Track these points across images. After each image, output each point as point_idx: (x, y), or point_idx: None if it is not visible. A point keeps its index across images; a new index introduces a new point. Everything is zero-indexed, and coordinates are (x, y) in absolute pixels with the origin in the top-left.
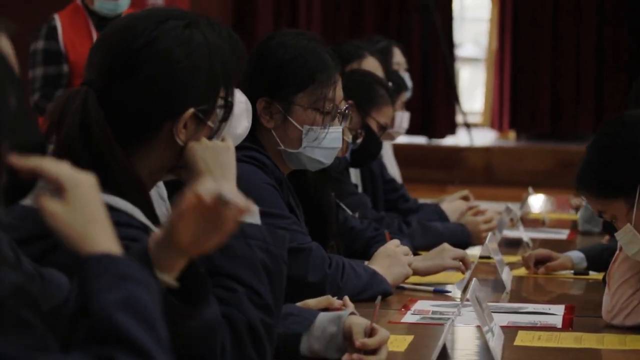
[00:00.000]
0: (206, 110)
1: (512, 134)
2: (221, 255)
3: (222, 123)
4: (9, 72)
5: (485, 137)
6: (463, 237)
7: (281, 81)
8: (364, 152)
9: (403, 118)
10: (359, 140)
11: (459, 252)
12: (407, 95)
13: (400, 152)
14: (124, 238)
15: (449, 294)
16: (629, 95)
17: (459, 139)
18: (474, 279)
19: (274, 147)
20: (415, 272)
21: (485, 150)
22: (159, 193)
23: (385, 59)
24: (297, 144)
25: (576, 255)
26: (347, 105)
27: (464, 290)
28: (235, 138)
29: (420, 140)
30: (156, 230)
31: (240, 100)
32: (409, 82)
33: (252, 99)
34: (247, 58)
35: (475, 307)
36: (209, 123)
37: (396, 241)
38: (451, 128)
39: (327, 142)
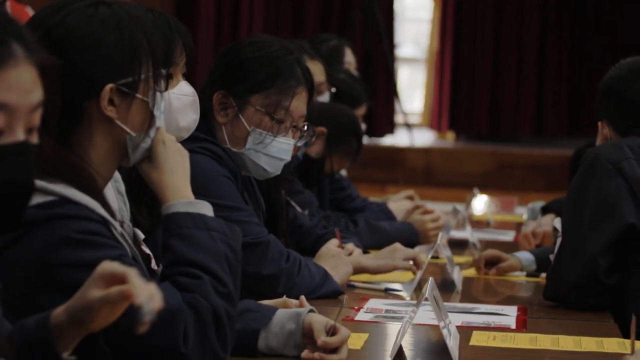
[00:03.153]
0: (131, 84)
1: (451, 135)
2: (185, 244)
3: (157, 94)
4: None
5: (424, 138)
6: (410, 236)
7: (241, 77)
8: (307, 175)
9: None
10: (310, 142)
11: (410, 252)
12: (364, 108)
13: None
14: (84, 232)
15: (399, 292)
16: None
17: (397, 138)
18: (431, 278)
19: (223, 143)
20: (366, 271)
21: (425, 151)
22: (117, 188)
23: (337, 58)
24: (241, 144)
25: (525, 256)
26: (307, 125)
27: (417, 289)
28: (180, 130)
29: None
30: (115, 223)
31: (187, 92)
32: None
33: (212, 91)
34: (188, 39)
35: (433, 306)
36: (139, 95)
37: (335, 241)
38: (390, 127)
39: (274, 150)
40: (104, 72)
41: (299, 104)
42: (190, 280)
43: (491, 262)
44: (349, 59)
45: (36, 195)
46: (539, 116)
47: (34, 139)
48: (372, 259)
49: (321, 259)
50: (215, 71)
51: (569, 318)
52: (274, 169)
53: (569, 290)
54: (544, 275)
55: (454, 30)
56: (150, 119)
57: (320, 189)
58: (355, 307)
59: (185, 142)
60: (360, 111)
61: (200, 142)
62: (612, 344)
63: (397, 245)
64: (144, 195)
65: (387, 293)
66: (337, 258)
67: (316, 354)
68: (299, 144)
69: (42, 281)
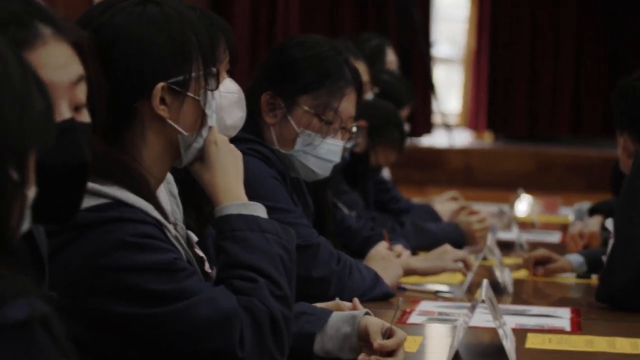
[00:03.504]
0: (182, 82)
1: (488, 135)
2: (240, 247)
3: (208, 93)
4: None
5: (461, 138)
6: (457, 238)
7: (289, 78)
8: (353, 174)
9: None
10: (357, 142)
11: (460, 253)
12: (408, 109)
13: None
14: (138, 235)
15: (450, 294)
16: None
17: (435, 138)
18: (485, 280)
19: (271, 144)
20: (416, 273)
21: (465, 152)
22: (169, 190)
23: (378, 58)
24: (290, 145)
25: (575, 258)
26: (356, 126)
27: (467, 292)
28: (227, 128)
29: None
30: (169, 226)
31: (232, 90)
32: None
33: (260, 91)
34: (230, 36)
35: (489, 308)
36: (190, 94)
37: (384, 243)
38: (427, 127)
39: (323, 152)
40: (155, 71)
41: (348, 105)
42: (246, 284)
43: (540, 263)
44: (391, 58)
45: (88, 198)
46: (577, 115)
47: (84, 116)
48: (422, 260)
49: (371, 261)
50: (263, 71)
51: (623, 320)
52: (323, 170)
53: (620, 291)
54: (595, 276)
55: (491, 29)
56: (202, 118)
57: (365, 190)
58: (407, 310)
59: (233, 144)
60: (404, 112)
61: (248, 143)
62: None
63: (447, 246)
64: (191, 196)
65: (438, 295)
66: (386, 260)
67: (372, 357)
68: (348, 145)
69: (94, 284)
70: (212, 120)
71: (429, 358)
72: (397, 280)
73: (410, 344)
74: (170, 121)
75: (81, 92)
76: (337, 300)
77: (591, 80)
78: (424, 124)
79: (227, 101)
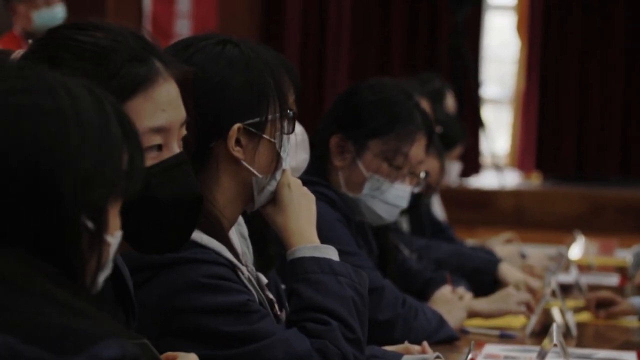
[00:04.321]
0: (258, 124)
1: (537, 176)
2: (313, 290)
3: (286, 136)
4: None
5: (510, 178)
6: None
7: (360, 121)
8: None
9: (453, 169)
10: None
11: (524, 296)
12: (460, 148)
13: None
14: (211, 276)
15: (515, 337)
16: None
17: (484, 179)
18: (555, 323)
19: (338, 188)
20: (479, 315)
21: (514, 193)
22: (240, 231)
23: (438, 101)
24: (358, 189)
25: (638, 301)
26: (425, 172)
27: (532, 334)
28: (291, 170)
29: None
30: (242, 267)
31: (297, 131)
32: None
33: (329, 134)
34: (296, 77)
35: (562, 352)
36: (266, 136)
37: (448, 287)
38: (476, 168)
39: (391, 197)
40: (231, 111)
41: (418, 150)
42: (319, 326)
43: (602, 305)
44: (450, 102)
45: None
46: (626, 156)
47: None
48: (485, 303)
49: (435, 304)
50: (333, 114)
51: None
52: (389, 215)
53: None
54: None
55: (540, 69)
56: (277, 160)
57: (421, 230)
58: (473, 354)
59: None
60: (457, 151)
61: (313, 185)
62: None
63: (510, 289)
64: (254, 237)
65: (502, 338)
66: (450, 303)
67: None
68: (416, 190)
69: (167, 326)
70: (285, 163)
71: None
72: (461, 323)
73: None
74: (244, 163)
75: (184, 130)
76: (406, 343)
77: None
78: (473, 165)
79: (292, 143)
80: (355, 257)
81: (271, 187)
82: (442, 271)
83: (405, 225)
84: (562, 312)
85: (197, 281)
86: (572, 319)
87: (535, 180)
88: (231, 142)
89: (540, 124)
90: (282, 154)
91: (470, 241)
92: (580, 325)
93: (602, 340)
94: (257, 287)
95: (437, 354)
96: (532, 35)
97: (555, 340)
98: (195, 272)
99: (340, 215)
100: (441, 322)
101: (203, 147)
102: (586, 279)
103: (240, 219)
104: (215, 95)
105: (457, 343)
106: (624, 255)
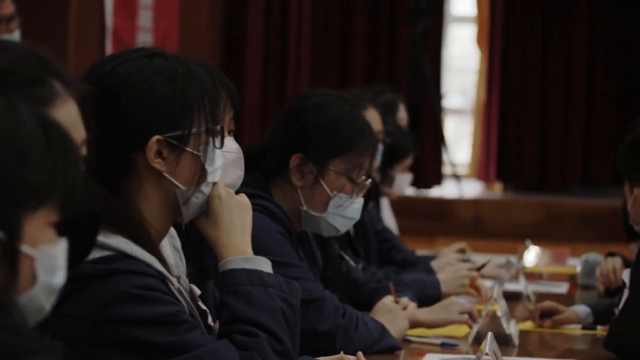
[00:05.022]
0: (180, 137)
1: (498, 186)
2: (241, 302)
3: (215, 150)
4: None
5: (471, 189)
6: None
7: (320, 142)
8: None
9: (403, 180)
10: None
11: (466, 305)
12: (410, 160)
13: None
14: (142, 287)
15: (456, 347)
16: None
17: (445, 189)
18: (490, 332)
19: (294, 205)
20: (422, 325)
21: (475, 202)
22: (173, 244)
23: (390, 113)
24: (322, 208)
25: (582, 309)
26: (370, 179)
27: (474, 343)
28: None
29: (408, 190)
30: (172, 279)
31: (232, 149)
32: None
33: (285, 153)
34: (234, 94)
35: None
36: (189, 149)
37: (390, 297)
38: (438, 179)
39: (350, 212)
40: (152, 123)
41: (374, 162)
42: (247, 339)
43: (547, 314)
44: (402, 115)
45: (94, 250)
46: (587, 166)
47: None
48: (428, 312)
49: (377, 314)
50: (282, 133)
51: None
52: (345, 228)
53: (635, 348)
54: (600, 327)
55: (501, 80)
56: (202, 173)
57: (366, 240)
58: None
59: None
60: (407, 162)
61: (254, 198)
62: None
63: (453, 298)
64: (190, 249)
65: (444, 347)
66: (393, 313)
67: None
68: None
69: (99, 337)
70: (214, 177)
71: None
72: (403, 332)
73: None
74: (167, 175)
75: (84, 150)
76: (342, 354)
77: (602, 132)
78: (435, 176)
79: (226, 160)
80: (294, 268)
81: (197, 199)
82: (386, 282)
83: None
84: (505, 321)
85: (127, 292)
86: (514, 328)
87: (497, 191)
88: (150, 154)
89: (501, 135)
90: (207, 167)
91: (423, 251)
92: (524, 334)
93: (545, 348)
94: (189, 299)
95: None
96: (493, 46)
97: (487, 350)
98: (125, 283)
99: (281, 227)
100: (383, 332)
101: (123, 158)
102: (536, 288)
103: (173, 232)
104: (135, 106)
105: (398, 352)
106: (576, 264)
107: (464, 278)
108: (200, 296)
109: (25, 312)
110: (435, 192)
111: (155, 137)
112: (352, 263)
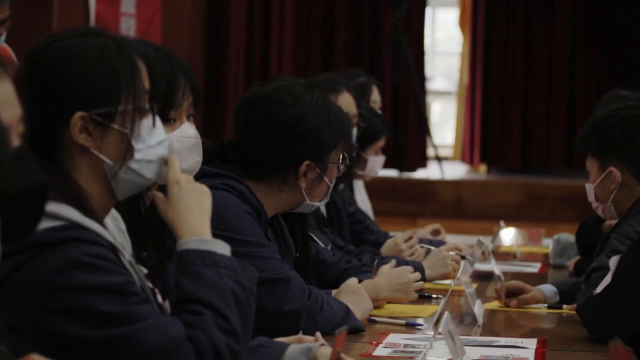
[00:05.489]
0: (107, 114)
1: (483, 168)
2: (192, 282)
3: (143, 128)
4: None
5: (456, 171)
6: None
7: (319, 144)
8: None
9: (376, 162)
10: None
11: (419, 284)
12: (383, 142)
13: (372, 184)
14: (94, 255)
15: (420, 327)
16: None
17: (430, 172)
18: (446, 312)
19: (295, 202)
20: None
21: (456, 184)
22: (117, 226)
23: (363, 95)
24: (322, 197)
25: (548, 288)
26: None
27: (436, 324)
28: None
29: (392, 173)
30: (123, 251)
31: (189, 134)
32: None
33: (285, 162)
34: (193, 79)
35: (447, 340)
36: (115, 126)
37: (355, 279)
38: (422, 161)
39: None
40: (76, 99)
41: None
42: (193, 317)
43: (514, 294)
44: (375, 97)
45: (46, 220)
46: (570, 147)
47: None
48: (387, 290)
49: (341, 295)
50: (278, 142)
51: (588, 349)
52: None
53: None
54: (566, 306)
55: (484, 63)
56: (128, 150)
57: (339, 222)
58: (374, 342)
59: (208, 179)
60: (380, 144)
61: (223, 178)
62: None
63: (405, 272)
64: (151, 231)
65: (408, 327)
66: (357, 294)
67: None
68: None
69: (51, 305)
70: (145, 155)
71: None
72: (367, 313)
73: None
74: (93, 150)
75: (21, 127)
76: (300, 334)
77: (584, 113)
78: (419, 159)
79: (183, 146)
80: (261, 248)
81: (127, 175)
82: (355, 262)
83: (323, 210)
84: (471, 301)
85: (79, 260)
86: (480, 307)
87: (481, 173)
88: (75, 130)
89: (484, 117)
90: (135, 144)
91: (401, 233)
92: (491, 313)
93: (510, 327)
94: (139, 273)
95: (322, 342)
96: (476, 29)
97: (441, 329)
98: (77, 250)
99: (249, 207)
100: (347, 313)
101: (51, 133)
102: (509, 268)
103: (117, 215)
104: (61, 83)
105: (363, 334)
106: (549, 244)
107: (446, 259)
108: (162, 278)
109: None
110: (420, 174)
111: (79, 114)
112: (321, 244)
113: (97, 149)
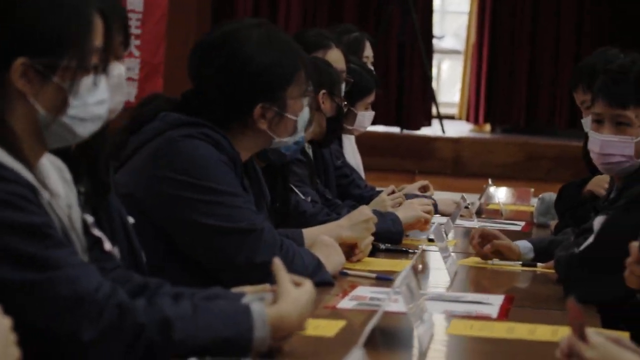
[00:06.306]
0: (48, 65)
1: (487, 127)
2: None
3: (83, 86)
4: None
5: (459, 129)
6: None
7: (269, 83)
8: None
9: (365, 117)
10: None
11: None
12: (372, 97)
13: (373, 141)
14: (10, 193)
15: (391, 280)
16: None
17: (433, 130)
18: (408, 266)
19: (264, 142)
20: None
21: (455, 142)
22: (62, 176)
23: (356, 51)
24: (292, 132)
25: (524, 244)
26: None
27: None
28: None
29: (394, 130)
30: (43, 192)
31: (112, 74)
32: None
33: (239, 105)
34: (125, 15)
35: (404, 294)
36: (56, 79)
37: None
38: (427, 120)
39: (301, 125)
40: (20, 43)
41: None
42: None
43: (489, 241)
44: (368, 53)
45: None
46: (575, 108)
47: None
48: (348, 230)
49: (315, 248)
50: (228, 87)
51: (554, 307)
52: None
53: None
54: (541, 265)
55: (491, 23)
56: (63, 104)
57: (326, 175)
58: (341, 295)
59: (184, 128)
60: (370, 99)
61: (198, 127)
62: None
63: (367, 212)
64: (87, 166)
65: (379, 280)
66: (330, 247)
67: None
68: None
69: None
70: (81, 112)
71: (345, 341)
72: (339, 267)
73: (330, 328)
74: (30, 98)
75: None
76: (267, 285)
77: None
78: (423, 117)
79: (110, 84)
80: (236, 198)
81: (59, 128)
82: (335, 215)
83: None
84: (444, 257)
85: None
86: (451, 263)
87: (486, 132)
88: (15, 75)
89: (490, 76)
90: (71, 100)
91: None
92: (464, 269)
93: (480, 284)
94: (62, 216)
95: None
96: None
97: (398, 283)
98: None
99: (225, 157)
100: (318, 266)
101: None
102: (494, 226)
103: (62, 165)
104: (9, 26)
105: (333, 287)
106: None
107: (417, 211)
108: (104, 213)
109: None
110: (423, 132)
111: (21, 59)
112: (301, 196)
113: (34, 97)
